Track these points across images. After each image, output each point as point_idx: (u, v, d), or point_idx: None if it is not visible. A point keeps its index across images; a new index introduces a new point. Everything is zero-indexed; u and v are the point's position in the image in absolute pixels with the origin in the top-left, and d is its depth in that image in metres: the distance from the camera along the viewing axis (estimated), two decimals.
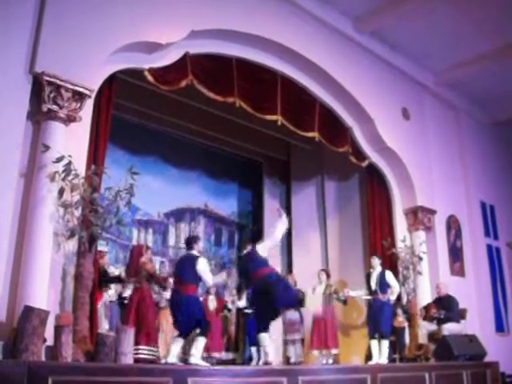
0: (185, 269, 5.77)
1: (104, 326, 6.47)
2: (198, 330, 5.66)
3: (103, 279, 6.65)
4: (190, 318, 5.58)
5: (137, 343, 5.82)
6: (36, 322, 4.29)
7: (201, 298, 8.77)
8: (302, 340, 8.57)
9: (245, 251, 6.35)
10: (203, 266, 5.70)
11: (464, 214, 10.41)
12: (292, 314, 8.49)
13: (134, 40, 6.16)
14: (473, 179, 10.85)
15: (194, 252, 5.86)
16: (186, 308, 5.59)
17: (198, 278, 5.74)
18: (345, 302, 8.52)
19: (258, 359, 8.24)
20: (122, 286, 7.11)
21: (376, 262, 7.84)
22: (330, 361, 8.17)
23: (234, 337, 9.17)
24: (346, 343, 8.99)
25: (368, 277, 7.78)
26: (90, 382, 3.76)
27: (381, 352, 7.35)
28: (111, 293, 7.06)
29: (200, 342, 5.61)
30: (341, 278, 9.62)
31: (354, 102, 8.81)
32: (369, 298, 7.66)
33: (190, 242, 5.97)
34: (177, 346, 5.59)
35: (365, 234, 9.76)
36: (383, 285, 7.55)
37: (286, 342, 8.62)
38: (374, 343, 7.42)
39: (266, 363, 5.60)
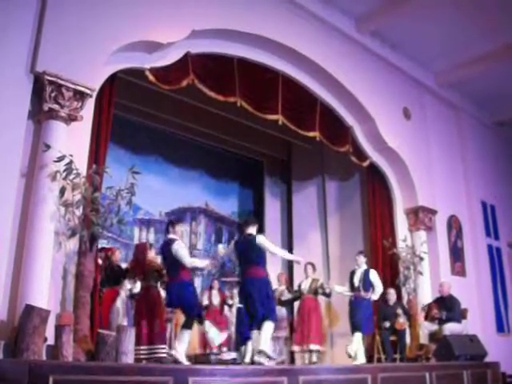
0: (167, 255, 5.72)
1: (124, 323, 6.39)
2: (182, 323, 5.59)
3: (115, 276, 6.63)
4: (181, 304, 5.53)
5: (151, 343, 5.81)
6: (37, 321, 4.30)
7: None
8: (287, 338, 8.43)
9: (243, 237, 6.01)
10: (176, 247, 5.60)
11: (465, 214, 10.40)
12: (279, 312, 8.30)
13: (135, 39, 6.16)
14: (474, 179, 10.85)
15: (171, 236, 5.79)
16: (177, 294, 5.53)
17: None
18: (328, 296, 8.42)
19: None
20: (132, 282, 7.06)
21: (361, 259, 7.73)
22: (314, 358, 7.97)
23: (235, 336, 9.16)
24: (339, 344, 8.97)
25: (352, 274, 7.71)
26: (90, 381, 3.75)
27: (352, 344, 7.19)
28: (127, 288, 7.03)
29: (185, 336, 5.53)
30: (340, 279, 9.58)
31: (355, 102, 8.81)
32: (351, 294, 7.59)
33: (167, 225, 5.96)
34: (183, 341, 5.51)
35: (366, 234, 9.76)
36: (366, 283, 7.48)
37: (272, 340, 8.47)
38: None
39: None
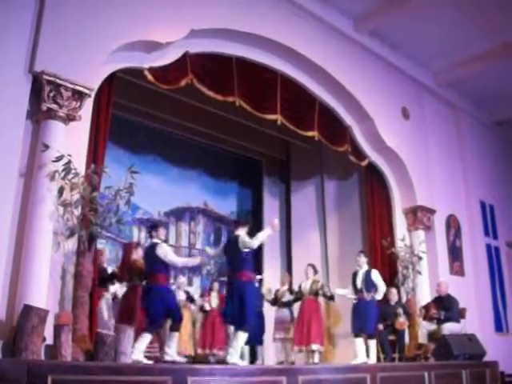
0: (149, 259, 5.71)
1: (109, 326, 6.41)
2: (169, 326, 5.58)
3: (101, 278, 6.64)
4: (162, 309, 5.48)
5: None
6: (35, 321, 4.30)
7: (196, 295, 8.79)
8: (290, 339, 8.40)
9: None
10: (162, 251, 5.58)
11: (463, 214, 10.41)
12: (282, 312, 8.45)
13: (134, 39, 6.16)
14: (472, 179, 10.86)
15: (155, 240, 5.79)
16: (155, 298, 5.49)
17: (164, 267, 5.63)
18: (330, 298, 8.40)
19: (255, 358, 8.22)
20: (118, 284, 7.08)
21: (362, 259, 7.63)
22: (316, 359, 7.98)
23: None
24: (341, 345, 8.98)
25: (354, 275, 7.70)
26: (89, 381, 3.75)
27: (369, 352, 7.27)
28: (113, 291, 7.05)
29: (173, 339, 5.54)
30: (339, 279, 9.62)
31: (354, 102, 8.81)
32: (354, 296, 7.59)
33: (150, 230, 5.97)
34: (143, 342, 5.41)
35: (364, 234, 9.76)
36: (369, 284, 7.43)
37: (275, 341, 8.51)
38: (359, 341, 7.34)
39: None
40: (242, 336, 5.50)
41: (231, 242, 5.85)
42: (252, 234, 5.85)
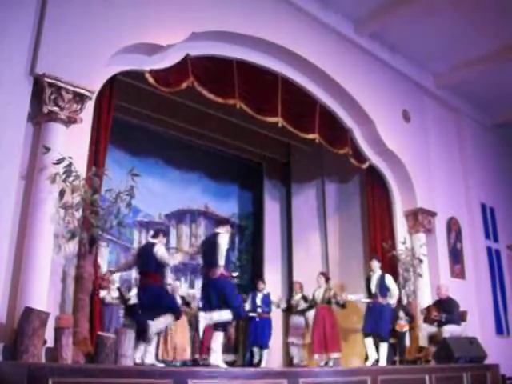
0: (145, 258, 5.79)
1: None
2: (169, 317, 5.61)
3: None
4: (155, 304, 5.53)
5: None
6: (36, 324, 4.29)
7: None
8: (305, 345, 8.71)
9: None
10: (159, 249, 5.70)
11: (464, 216, 10.40)
12: (297, 319, 8.75)
13: (135, 42, 6.16)
14: (473, 181, 10.85)
15: (153, 240, 5.89)
16: (151, 294, 5.56)
17: (160, 267, 5.72)
18: (343, 306, 8.55)
19: (260, 359, 8.30)
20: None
21: (375, 264, 7.79)
22: (331, 364, 8.17)
23: (234, 338, 9.18)
24: (347, 346, 9.00)
25: (368, 280, 7.76)
26: (90, 383, 3.76)
27: (379, 355, 7.34)
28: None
29: (165, 320, 5.55)
30: (340, 282, 9.63)
31: (355, 104, 8.82)
32: (368, 301, 7.64)
33: (155, 232, 6.08)
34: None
35: (365, 236, 9.75)
36: (383, 288, 7.53)
37: (289, 344, 8.83)
38: (369, 342, 7.41)
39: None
40: (221, 335, 5.54)
41: (210, 239, 5.91)
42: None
